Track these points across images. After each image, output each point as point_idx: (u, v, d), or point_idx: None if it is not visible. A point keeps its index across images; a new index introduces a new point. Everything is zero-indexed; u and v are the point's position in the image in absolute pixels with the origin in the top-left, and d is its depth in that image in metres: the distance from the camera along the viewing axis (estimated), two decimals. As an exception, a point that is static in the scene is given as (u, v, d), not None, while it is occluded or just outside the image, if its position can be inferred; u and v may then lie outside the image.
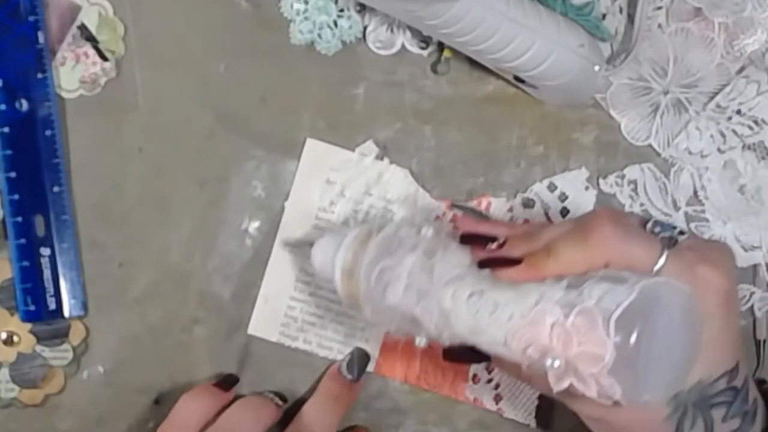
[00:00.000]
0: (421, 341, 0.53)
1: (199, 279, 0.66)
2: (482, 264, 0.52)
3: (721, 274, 0.49)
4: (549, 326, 0.47)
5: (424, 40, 0.64)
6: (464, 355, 0.55)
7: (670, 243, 0.51)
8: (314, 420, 0.62)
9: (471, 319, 0.50)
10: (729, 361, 0.50)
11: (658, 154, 0.65)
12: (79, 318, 0.65)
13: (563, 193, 0.66)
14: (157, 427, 0.61)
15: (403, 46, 0.64)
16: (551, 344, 0.47)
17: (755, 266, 0.66)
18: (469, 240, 0.55)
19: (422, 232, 0.55)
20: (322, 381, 0.65)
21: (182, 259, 0.65)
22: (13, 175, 0.63)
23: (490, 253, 0.53)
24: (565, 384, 0.47)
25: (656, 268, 0.49)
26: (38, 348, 0.65)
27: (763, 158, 0.64)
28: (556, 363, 0.47)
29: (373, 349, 0.66)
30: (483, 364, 0.66)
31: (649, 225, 0.52)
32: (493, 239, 0.54)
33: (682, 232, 0.52)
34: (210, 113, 0.65)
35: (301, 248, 0.64)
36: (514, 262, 0.51)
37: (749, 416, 0.51)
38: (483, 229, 0.56)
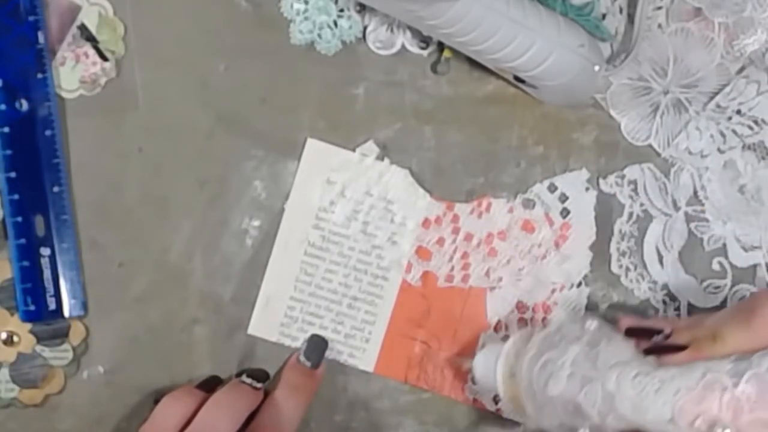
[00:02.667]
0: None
1: (199, 279, 0.66)
2: (648, 351, 0.54)
3: None
4: (718, 396, 0.48)
5: (424, 40, 0.64)
6: None
7: None
8: (279, 410, 0.62)
9: (636, 398, 0.52)
10: None
11: (658, 154, 0.65)
12: (79, 318, 0.65)
13: (563, 194, 0.66)
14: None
15: (403, 46, 0.64)
16: (720, 414, 0.48)
17: (755, 266, 0.66)
18: (634, 333, 0.56)
19: (586, 325, 0.57)
20: (283, 371, 0.65)
21: (182, 259, 0.65)
22: (13, 175, 0.63)
23: (657, 343, 0.55)
24: None
25: None
26: (38, 348, 0.65)
27: (763, 158, 0.64)
28: None
29: (373, 349, 0.66)
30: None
31: None
32: (658, 332, 0.55)
33: None
34: (210, 113, 0.65)
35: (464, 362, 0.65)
36: (680, 348, 0.53)
37: None
38: (647, 323, 0.58)
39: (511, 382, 0.58)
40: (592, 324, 0.57)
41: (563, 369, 0.54)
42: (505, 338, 0.65)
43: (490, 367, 0.60)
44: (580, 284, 0.66)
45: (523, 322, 0.66)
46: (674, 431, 0.51)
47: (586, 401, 0.53)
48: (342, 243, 0.66)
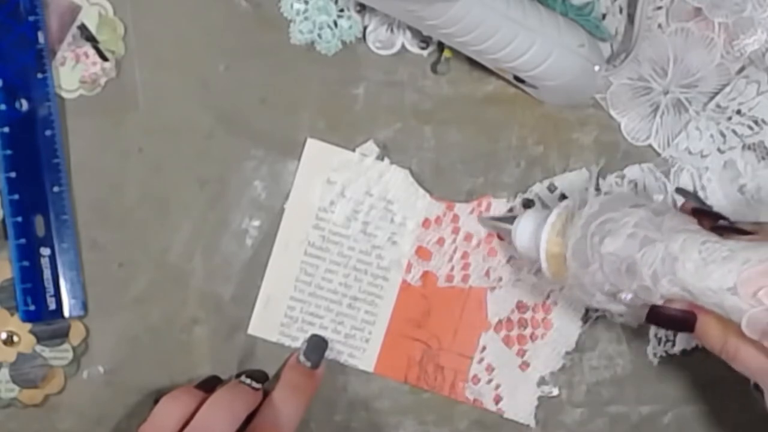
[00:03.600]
0: (626, 297, 0.53)
1: (199, 279, 0.66)
2: (715, 229, 0.53)
3: None
4: None
5: (424, 40, 0.64)
6: (669, 319, 0.53)
7: None
8: (278, 410, 0.62)
9: (700, 262, 0.50)
10: None
11: (658, 154, 0.65)
12: (79, 318, 0.65)
13: (563, 194, 0.66)
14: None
15: (403, 46, 0.64)
16: None
17: (755, 266, 0.66)
18: (701, 213, 0.55)
19: (654, 197, 0.57)
20: (283, 371, 0.65)
21: (182, 259, 0.65)
22: (13, 175, 0.63)
23: (724, 224, 0.54)
24: None
25: None
26: (38, 348, 0.65)
27: (763, 158, 0.64)
28: None
29: (373, 349, 0.66)
30: (483, 364, 0.66)
31: None
32: (723, 218, 0.55)
33: None
34: (210, 113, 0.65)
35: (498, 225, 0.64)
36: (747, 232, 0.52)
37: None
38: (713, 211, 0.57)
39: (557, 241, 0.56)
40: (660, 197, 0.57)
41: (624, 228, 0.53)
42: (506, 337, 0.65)
43: (534, 227, 0.59)
44: (579, 284, 0.66)
45: (523, 322, 0.66)
46: (729, 301, 0.49)
47: (642, 261, 0.52)
48: (342, 243, 0.66)
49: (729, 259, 0.50)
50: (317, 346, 0.65)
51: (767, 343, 0.48)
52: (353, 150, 0.65)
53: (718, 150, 0.65)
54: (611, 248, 0.53)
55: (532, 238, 0.59)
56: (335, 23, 0.63)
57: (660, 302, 0.53)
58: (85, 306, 0.65)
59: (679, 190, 0.64)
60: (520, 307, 0.66)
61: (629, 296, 0.53)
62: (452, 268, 0.66)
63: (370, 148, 0.65)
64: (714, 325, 0.52)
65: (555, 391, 0.67)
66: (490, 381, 0.66)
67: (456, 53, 0.64)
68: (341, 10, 0.63)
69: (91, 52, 0.64)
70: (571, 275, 0.55)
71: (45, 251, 0.64)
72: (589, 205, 0.55)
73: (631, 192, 0.62)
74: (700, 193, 0.65)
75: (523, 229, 0.59)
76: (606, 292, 0.54)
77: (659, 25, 0.64)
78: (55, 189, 0.64)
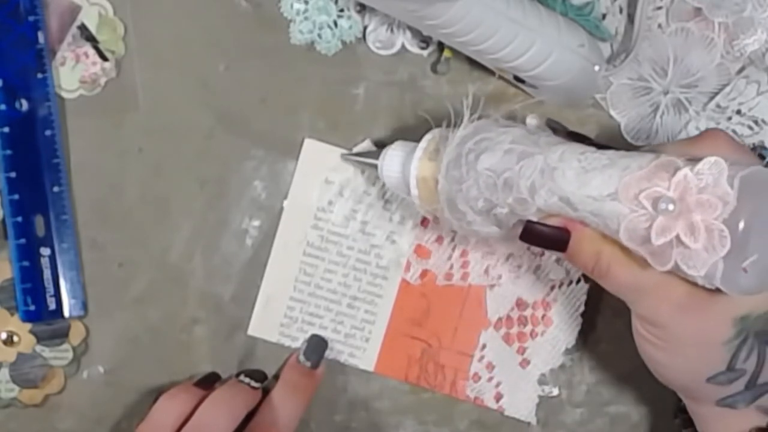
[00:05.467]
0: (501, 211, 0.53)
1: (199, 279, 0.66)
2: (593, 144, 0.53)
3: None
4: (669, 176, 0.47)
5: (424, 40, 0.64)
6: (543, 236, 0.53)
7: None
8: (277, 410, 0.62)
9: (580, 170, 0.50)
10: None
11: (658, 155, 0.65)
12: (79, 318, 0.65)
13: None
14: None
15: (403, 46, 0.64)
16: (668, 192, 0.47)
17: (755, 266, 0.66)
18: (574, 136, 0.55)
19: (527, 121, 0.57)
20: (283, 371, 0.65)
21: (182, 259, 0.66)
22: (13, 175, 0.63)
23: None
24: (670, 235, 0.46)
25: None
26: (38, 348, 0.65)
27: (763, 158, 0.64)
28: (671, 206, 0.46)
29: (373, 349, 0.66)
30: (483, 362, 0.66)
31: None
32: (598, 143, 0.54)
33: None
34: (210, 113, 0.65)
35: (363, 161, 0.63)
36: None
37: None
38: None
39: (429, 165, 0.56)
40: (533, 120, 0.57)
41: (501, 144, 0.53)
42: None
43: (404, 155, 0.59)
44: (579, 281, 0.66)
45: (523, 319, 0.66)
46: (609, 207, 0.49)
47: (520, 173, 0.52)
48: (341, 243, 0.66)
49: (609, 166, 0.49)
50: (317, 346, 0.65)
51: (643, 250, 0.48)
52: (351, 149, 0.65)
53: (718, 150, 0.65)
54: (487, 164, 0.53)
55: (400, 168, 0.58)
56: (335, 23, 0.63)
57: (535, 217, 0.53)
58: (85, 306, 0.65)
59: (550, 121, 0.64)
60: (520, 304, 0.66)
61: (504, 211, 0.53)
62: (451, 267, 0.66)
63: (367, 147, 0.65)
64: (588, 241, 0.51)
65: (555, 391, 0.67)
66: (490, 379, 0.67)
67: (456, 53, 0.64)
68: (341, 10, 0.63)
69: (91, 52, 0.64)
70: (442, 197, 0.55)
71: (45, 251, 0.64)
72: (463, 127, 0.55)
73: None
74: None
75: (391, 160, 0.59)
76: (479, 210, 0.54)
77: (659, 25, 0.64)
78: (55, 189, 0.64)
